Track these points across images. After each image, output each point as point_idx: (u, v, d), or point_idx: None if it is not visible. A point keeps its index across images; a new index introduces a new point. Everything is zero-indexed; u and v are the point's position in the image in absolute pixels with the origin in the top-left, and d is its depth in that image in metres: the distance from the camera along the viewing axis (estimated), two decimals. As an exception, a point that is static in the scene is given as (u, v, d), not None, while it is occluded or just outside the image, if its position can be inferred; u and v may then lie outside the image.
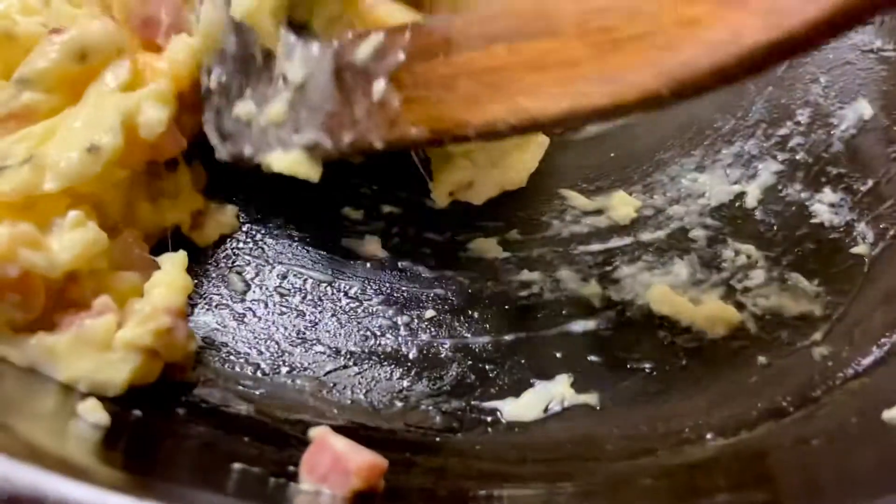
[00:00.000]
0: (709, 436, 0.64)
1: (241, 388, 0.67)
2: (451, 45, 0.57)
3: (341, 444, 0.55)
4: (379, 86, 0.59)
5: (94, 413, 0.54)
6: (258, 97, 0.67)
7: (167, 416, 0.62)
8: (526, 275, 0.75)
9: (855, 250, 0.76)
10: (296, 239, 0.77)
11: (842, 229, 0.78)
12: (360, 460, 0.54)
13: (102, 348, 0.58)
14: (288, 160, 0.64)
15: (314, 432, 0.56)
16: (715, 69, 0.46)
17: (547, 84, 0.52)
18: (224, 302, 0.72)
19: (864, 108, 0.86)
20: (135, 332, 0.59)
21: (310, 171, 0.63)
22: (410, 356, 0.70)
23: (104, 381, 0.58)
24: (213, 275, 0.74)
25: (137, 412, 0.60)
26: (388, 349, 0.70)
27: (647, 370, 0.69)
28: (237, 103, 0.68)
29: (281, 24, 0.64)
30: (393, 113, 0.59)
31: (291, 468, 0.56)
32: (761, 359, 0.70)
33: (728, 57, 0.45)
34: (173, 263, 0.66)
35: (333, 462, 0.53)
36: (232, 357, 0.69)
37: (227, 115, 0.69)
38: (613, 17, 0.50)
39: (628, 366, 0.70)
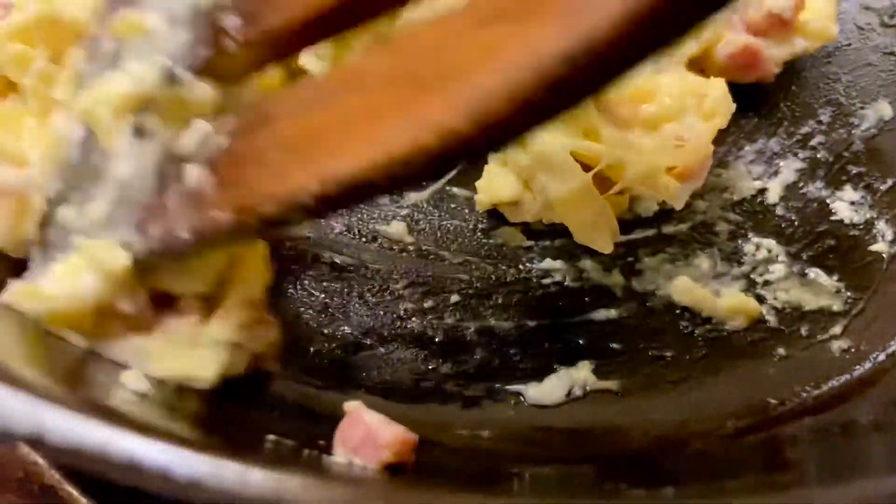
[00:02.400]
0: (729, 423, 0.65)
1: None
2: (268, 118, 0.53)
3: (373, 417, 0.56)
4: (192, 172, 0.54)
5: (136, 381, 0.56)
6: (81, 199, 0.59)
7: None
8: (548, 263, 0.77)
9: (874, 247, 0.78)
10: (322, 222, 0.78)
11: (861, 227, 0.79)
12: (392, 434, 0.55)
13: (190, 345, 0.59)
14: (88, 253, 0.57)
15: (349, 406, 0.58)
16: (514, 94, 0.39)
17: (351, 141, 0.47)
18: (254, 282, 0.74)
19: (884, 109, 0.88)
20: (221, 328, 0.59)
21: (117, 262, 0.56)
22: (436, 339, 0.71)
23: (195, 376, 0.59)
24: (244, 255, 0.75)
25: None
26: (415, 332, 0.72)
27: (668, 358, 0.71)
28: (60, 208, 0.61)
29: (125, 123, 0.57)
30: (204, 199, 0.53)
31: (322, 442, 0.58)
32: (780, 351, 0.71)
33: (526, 77, 0.38)
34: (253, 255, 0.65)
35: (365, 435, 0.55)
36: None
37: (51, 223, 0.61)
38: (419, 61, 0.45)
39: (650, 353, 0.71)
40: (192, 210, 0.53)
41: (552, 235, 0.78)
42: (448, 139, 0.41)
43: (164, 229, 0.54)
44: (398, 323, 0.72)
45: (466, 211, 0.80)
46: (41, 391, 0.40)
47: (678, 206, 0.76)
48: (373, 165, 0.45)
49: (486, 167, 0.79)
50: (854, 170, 0.83)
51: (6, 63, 0.73)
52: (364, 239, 0.77)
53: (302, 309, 0.72)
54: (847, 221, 0.79)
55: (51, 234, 0.61)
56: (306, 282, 0.74)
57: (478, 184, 0.78)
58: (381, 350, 0.71)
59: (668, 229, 0.79)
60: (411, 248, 0.77)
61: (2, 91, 0.76)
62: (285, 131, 0.51)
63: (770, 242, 0.78)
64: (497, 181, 0.78)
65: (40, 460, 0.71)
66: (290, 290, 0.73)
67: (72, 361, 0.55)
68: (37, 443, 0.38)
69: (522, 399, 0.68)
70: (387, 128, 0.45)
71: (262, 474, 0.36)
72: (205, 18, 0.57)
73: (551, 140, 0.72)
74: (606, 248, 0.74)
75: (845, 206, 0.80)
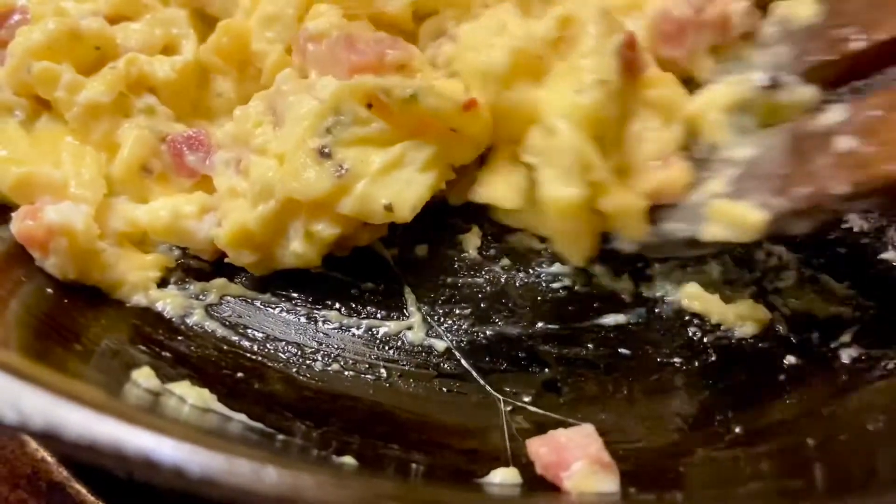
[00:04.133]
0: (738, 429, 0.65)
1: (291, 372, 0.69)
2: None
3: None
4: (843, 142, 0.62)
5: (147, 379, 0.56)
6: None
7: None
8: (558, 267, 0.77)
9: (884, 256, 0.77)
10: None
11: (872, 235, 0.79)
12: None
13: None
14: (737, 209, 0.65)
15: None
16: None
17: None
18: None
19: None
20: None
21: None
22: (446, 343, 0.71)
23: None
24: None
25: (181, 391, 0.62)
26: (426, 336, 0.72)
27: (676, 364, 0.71)
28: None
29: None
30: (860, 158, 0.61)
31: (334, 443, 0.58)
32: (791, 358, 0.71)
33: None
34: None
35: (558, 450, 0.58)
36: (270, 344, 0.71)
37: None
38: None
39: (658, 360, 0.71)
40: (848, 169, 0.61)
41: (562, 240, 0.78)
42: None
43: (814, 189, 0.62)
44: (411, 328, 0.73)
45: (479, 216, 0.80)
46: (57, 388, 0.40)
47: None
48: None
49: (495, 161, 0.77)
50: (865, 178, 0.83)
51: (35, 80, 0.74)
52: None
53: (317, 315, 0.73)
54: (858, 229, 0.79)
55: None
56: (318, 295, 0.75)
57: (480, 175, 0.76)
58: (391, 353, 0.71)
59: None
60: (426, 254, 0.78)
61: (33, 113, 0.77)
62: None
63: (781, 250, 0.78)
64: (501, 180, 0.76)
65: (49, 457, 0.71)
66: (303, 301, 0.74)
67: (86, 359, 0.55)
68: (52, 438, 0.38)
69: (531, 402, 0.68)
70: None
71: (277, 472, 0.36)
72: (819, 32, 0.69)
73: (571, 138, 0.69)
74: (581, 261, 0.74)
75: (856, 214, 0.80)
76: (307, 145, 0.70)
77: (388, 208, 0.69)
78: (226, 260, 0.73)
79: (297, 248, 0.71)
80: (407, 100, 0.69)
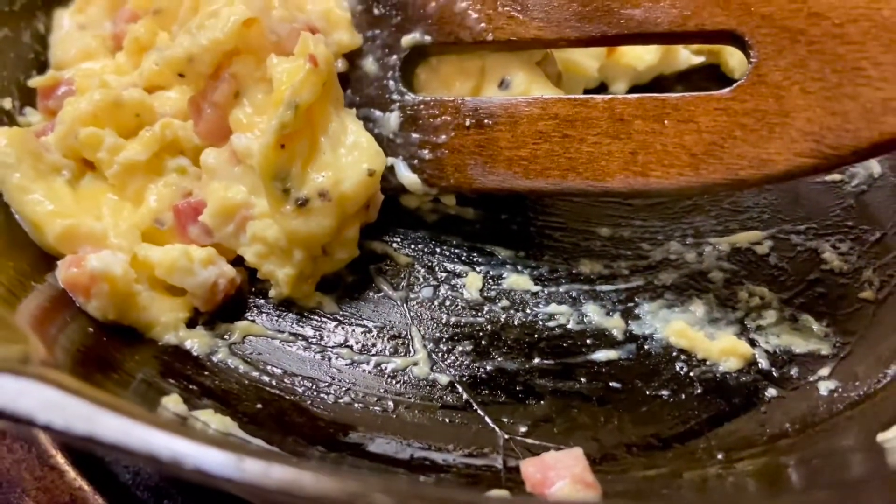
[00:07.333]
0: (720, 455, 0.69)
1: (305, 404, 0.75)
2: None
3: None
4: None
5: (176, 405, 0.63)
6: None
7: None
8: (554, 307, 0.83)
9: (862, 295, 0.82)
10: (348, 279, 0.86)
11: (850, 275, 0.84)
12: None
13: None
14: None
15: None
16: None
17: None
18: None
19: (874, 167, 0.94)
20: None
21: None
22: (449, 378, 0.77)
23: None
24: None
25: (205, 418, 0.68)
26: (431, 371, 0.78)
27: (664, 397, 0.76)
28: None
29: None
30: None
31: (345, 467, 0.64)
32: (771, 391, 0.76)
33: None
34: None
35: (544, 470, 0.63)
36: (287, 379, 0.78)
37: None
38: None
39: (647, 392, 0.76)
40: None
41: (558, 282, 0.85)
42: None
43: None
44: (415, 364, 0.79)
45: (479, 259, 0.87)
46: (96, 398, 0.47)
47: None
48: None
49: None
50: (844, 222, 0.89)
51: (81, 144, 0.83)
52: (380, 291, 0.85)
53: (331, 353, 0.80)
54: (837, 271, 0.85)
55: None
56: (329, 334, 0.82)
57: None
58: (398, 387, 0.77)
59: (665, 277, 0.84)
60: (428, 295, 0.84)
61: (79, 172, 0.86)
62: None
63: (763, 290, 0.83)
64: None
65: (86, 486, 0.78)
66: (316, 338, 0.81)
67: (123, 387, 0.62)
68: (91, 441, 0.44)
69: (528, 432, 0.73)
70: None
71: (282, 469, 0.42)
72: None
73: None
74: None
75: (835, 256, 0.85)
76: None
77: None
78: (259, 275, 0.82)
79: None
80: None
